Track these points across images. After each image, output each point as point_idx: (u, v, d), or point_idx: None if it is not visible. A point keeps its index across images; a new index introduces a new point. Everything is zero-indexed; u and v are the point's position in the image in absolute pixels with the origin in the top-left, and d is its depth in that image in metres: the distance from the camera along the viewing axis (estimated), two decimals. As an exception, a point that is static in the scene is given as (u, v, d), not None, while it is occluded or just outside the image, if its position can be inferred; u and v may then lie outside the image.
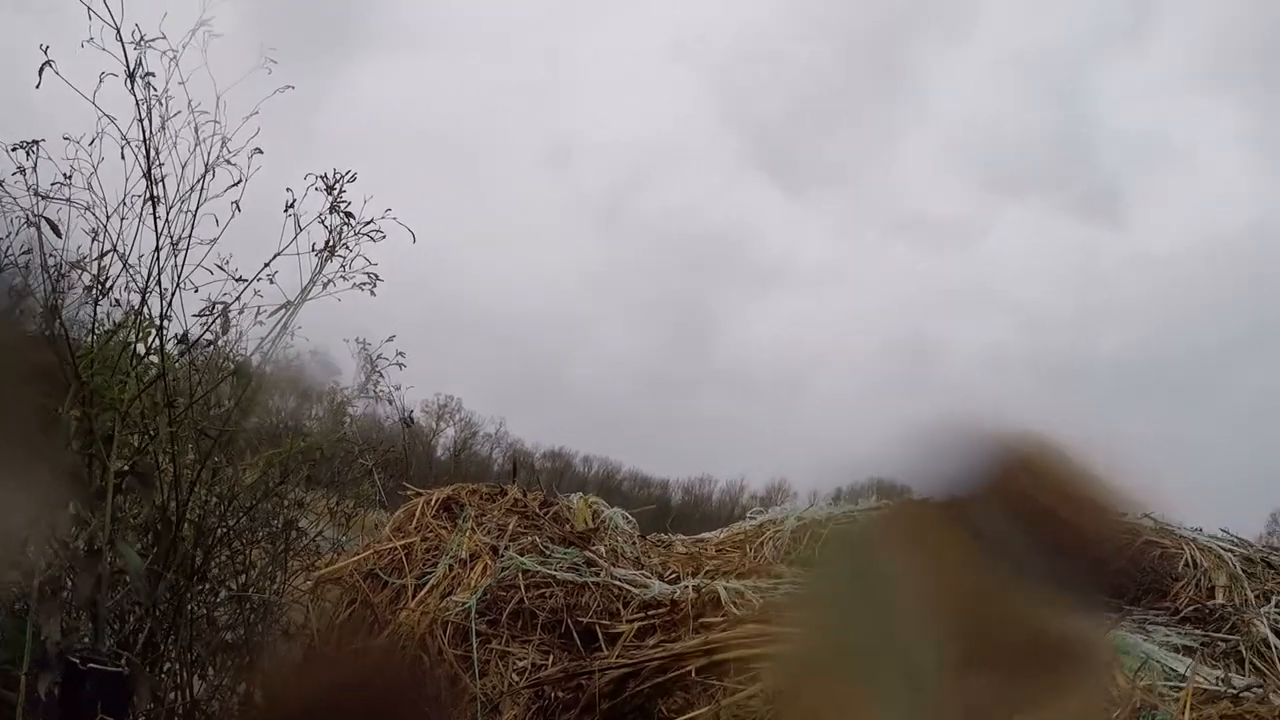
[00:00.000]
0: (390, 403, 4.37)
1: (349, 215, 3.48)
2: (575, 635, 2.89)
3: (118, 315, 3.67)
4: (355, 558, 3.20)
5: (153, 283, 3.44)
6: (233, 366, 3.69)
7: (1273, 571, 4.10)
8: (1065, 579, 1.24)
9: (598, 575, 3.08)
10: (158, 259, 3.41)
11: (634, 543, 3.56)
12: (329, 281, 3.54)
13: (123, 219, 3.40)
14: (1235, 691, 2.50)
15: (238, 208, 3.30)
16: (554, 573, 3.03)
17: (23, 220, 3.54)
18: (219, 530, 3.67)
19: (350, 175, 3.51)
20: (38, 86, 3.11)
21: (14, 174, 3.35)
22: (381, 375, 3.82)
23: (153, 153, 3.33)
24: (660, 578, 3.33)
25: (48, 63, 3.10)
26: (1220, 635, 3.32)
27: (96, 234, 3.41)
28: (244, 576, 4.00)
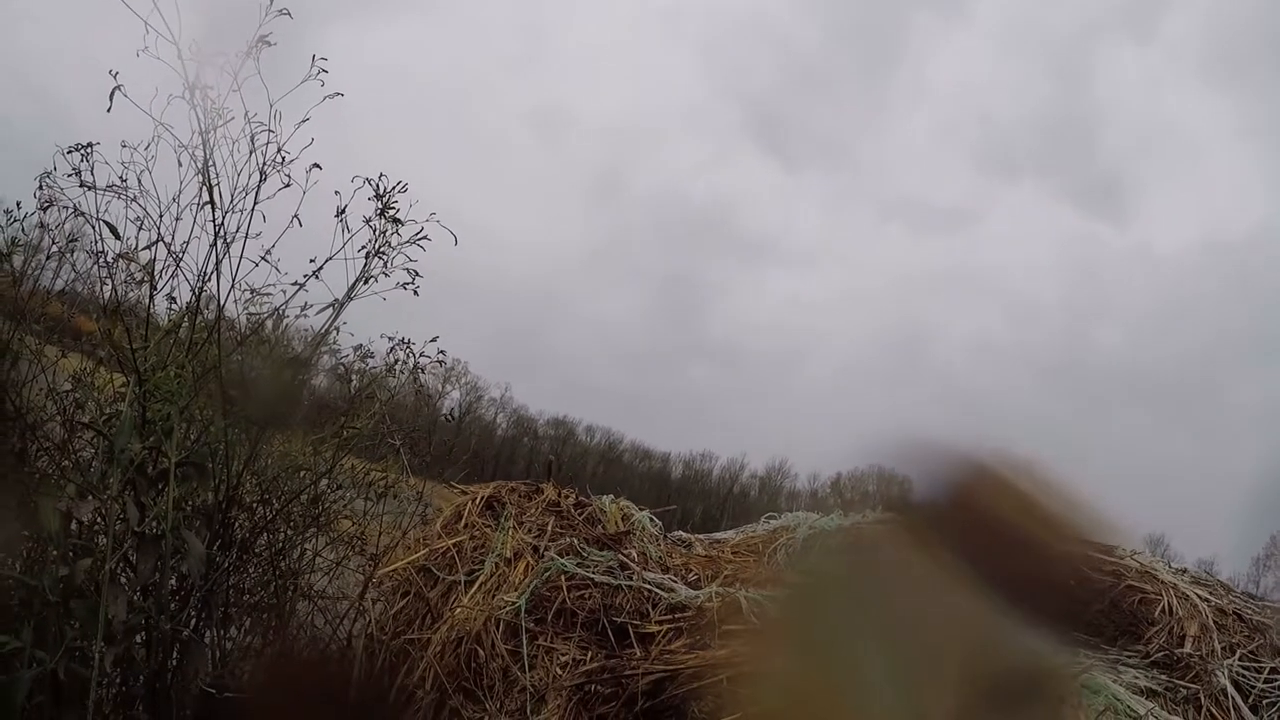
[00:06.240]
0: (430, 396, 4.97)
1: (397, 221, 4.00)
2: (610, 633, 3.54)
3: (163, 306, 4.18)
4: (412, 556, 3.82)
5: (208, 280, 3.96)
6: (284, 359, 4.24)
7: (1242, 625, 4.86)
8: (1027, 601, 1.57)
9: (630, 579, 3.72)
10: (214, 256, 3.92)
11: (659, 544, 4.21)
12: (372, 278, 4.07)
13: (177, 218, 3.88)
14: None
15: (299, 221, 3.80)
16: (592, 575, 3.68)
17: (71, 211, 4.02)
18: (262, 511, 4.26)
19: (401, 185, 4.01)
20: (109, 110, 3.59)
21: (69, 175, 3.83)
22: (424, 371, 4.41)
23: (209, 160, 3.81)
24: (684, 580, 3.98)
25: (117, 88, 3.60)
26: (1183, 683, 4.06)
27: (143, 224, 3.91)
28: (269, 543, 4.62)
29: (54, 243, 4.55)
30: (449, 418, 4.80)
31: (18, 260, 4.66)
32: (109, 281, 4.11)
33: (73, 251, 4.46)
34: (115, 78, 3.57)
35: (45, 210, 4.01)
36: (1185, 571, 5.27)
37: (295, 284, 3.95)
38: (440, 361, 4.30)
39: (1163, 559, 5.56)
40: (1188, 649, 4.40)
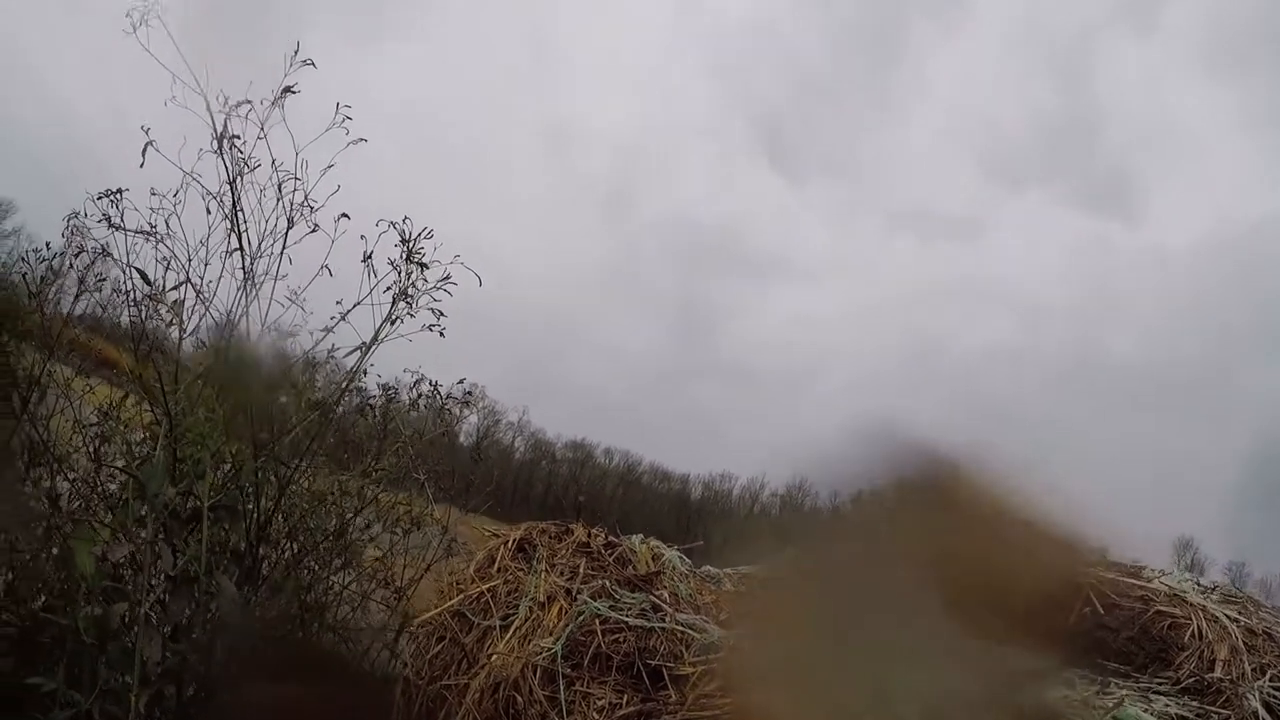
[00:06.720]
0: (454, 433, 5.04)
1: (423, 266, 4.05)
2: (645, 676, 3.60)
3: (190, 346, 4.25)
4: (448, 603, 3.89)
5: (237, 322, 4.02)
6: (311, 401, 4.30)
7: (1272, 644, 4.88)
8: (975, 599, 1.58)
9: (663, 621, 3.78)
10: (244, 298, 3.98)
11: (689, 581, 4.27)
12: (398, 319, 4.13)
13: (205, 264, 3.95)
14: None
15: (328, 270, 3.86)
16: (625, 618, 3.73)
17: (100, 252, 4.09)
18: (289, 546, 4.33)
19: (427, 231, 4.09)
20: (141, 166, 3.67)
21: (99, 220, 3.90)
22: (450, 412, 4.48)
23: (238, 207, 3.88)
24: (715, 619, 4.03)
25: (149, 143, 3.66)
26: (1214, 708, 4.09)
27: (170, 264, 3.97)
28: (296, 580, 4.68)
29: (81, 281, 4.62)
30: (475, 457, 4.93)
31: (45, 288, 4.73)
32: (138, 320, 4.18)
33: (100, 290, 4.53)
34: (147, 133, 3.64)
35: (77, 257, 4.08)
36: (1215, 589, 5.27)
37: (324, 329, 4.01)
38: (467, 402, 4.37)
39: (1191, 573, 5.58)
40: (1218, 673, 4.43)
